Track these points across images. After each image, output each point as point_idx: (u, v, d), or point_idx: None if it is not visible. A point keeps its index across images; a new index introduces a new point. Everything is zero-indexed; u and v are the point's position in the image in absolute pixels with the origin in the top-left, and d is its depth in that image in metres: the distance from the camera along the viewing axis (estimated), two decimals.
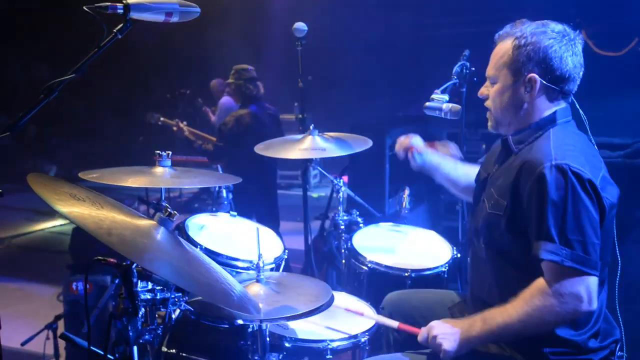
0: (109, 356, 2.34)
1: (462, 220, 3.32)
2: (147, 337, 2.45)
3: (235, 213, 3.18)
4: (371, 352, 2.59)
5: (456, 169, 2.75)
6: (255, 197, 4.24)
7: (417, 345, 2.41)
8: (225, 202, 3.25)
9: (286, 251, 3.02)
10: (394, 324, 2.44)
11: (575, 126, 2.19)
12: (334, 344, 2.49)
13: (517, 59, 2.09)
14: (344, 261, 3.39)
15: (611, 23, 6.76)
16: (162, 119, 5.76)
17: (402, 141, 2.83)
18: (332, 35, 6.02)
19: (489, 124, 2.29)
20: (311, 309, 2.15)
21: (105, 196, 2.00)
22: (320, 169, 3.53)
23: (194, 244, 2.80)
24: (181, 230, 2.90)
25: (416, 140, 2.81)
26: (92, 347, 2.28)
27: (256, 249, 2.83)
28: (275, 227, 3.88)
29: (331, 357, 2.47)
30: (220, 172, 3.89)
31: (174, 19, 2.12)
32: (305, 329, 2.57)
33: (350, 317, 2.72)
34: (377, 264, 3.02)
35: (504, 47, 2.15)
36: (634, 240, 3.20)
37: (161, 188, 2.67)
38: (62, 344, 3.83)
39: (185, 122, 5.54)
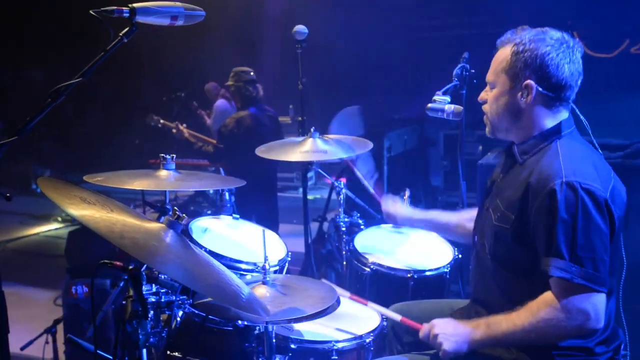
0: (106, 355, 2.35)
1: None
2: (152, 340, 2.47)
3: (237, 215, 3.19)
4: (375, 352, 2.60)
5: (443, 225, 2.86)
6: (255, 199, 4.25)
7: (421, 346, 2.44)
8: (228, 205, 3.26)
9: (289, 253, 3.04)
10: (397, 317, 2.46)
11: (579, 134, 2.20)
12: (339, 345, 2.50)
13: (515, 65, 2.11)
14: (345, 263, 3.40)
15: (603, 25, 6.82)
16: (162, 121, 5.76)
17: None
18: (328, 38, 6.03)
19: (487, 129, 2.31)
20: (321, 310, 2.16)
21: (112, 199, 2.01)
22: (321, 171, 3.54)
23: (198, 246, 2.80)
24: (184, 233, 2.91)
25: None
26: (98, 351, 2.29)
27: (261, 251, 2.84)
28: (275, 230, 3.89)
29: (336, 357, 2.48)
30: (223, 174, 3.89)
31: (179, 22, 2.13)
32: (310, 330, 2.58)
33: (354, 317, 2.73)
34: (379, 265, 3.03)
35: (503, 53, 2.17)
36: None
37: (165, 191, 2.67)
38: (61, 348, 3.81)
39: (185, 125, 5.54)
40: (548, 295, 1.96)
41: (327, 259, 4.55)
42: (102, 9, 1.96)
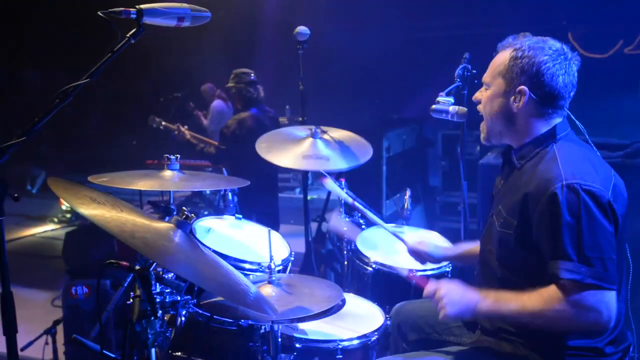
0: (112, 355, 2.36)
1: (464, 221, 3.36)
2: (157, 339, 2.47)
3: (240, 216, 3.20)
4: (380, 351, 2.62)
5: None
6: (256, 200, 4.26)
7: (427, 345, 2.45)
8: (231, 205, 3.26)
9: (292, 253, 3.05)
10: (404, 271, 2.53)
11: (575, 135, 2.23)
12: (344, 344, 2.52)
13: (512, 70, 2.14)
14: (346, 262, 3.41)
15: (597, 25, 6.86)
16: (163, 123, 5.76)
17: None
18: (326, 39, 6.04)
19: (482, 135, 2.33)
20: (328, 308, 2.17)
21: (120, 199, 2.01)
22: (323, 171, 3.54)
23: (203, 246, 2.81)
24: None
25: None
26: (104, 351, 2.29)
27: (265, 251, 2.85)
28: (276, 230, 3.90)
29: (341, 356, 2.50)
30: (226, 175, 3.90)
31: (186, 23, 2.14)
32: (315, 329, 2.60)
33: (358, 316, 2.75)
34: (381, 264, 3.04)
35: (502, 57, 2.20)
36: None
37: (170, 191, 2.67)
38: (61, 348, 3.80)
39: (186, 126, 5.55)
40: (560, 291, 1.96)
41: (327, 259, 4.56)
42: (110, 10, 1.96)
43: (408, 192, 3.53)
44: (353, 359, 2.54)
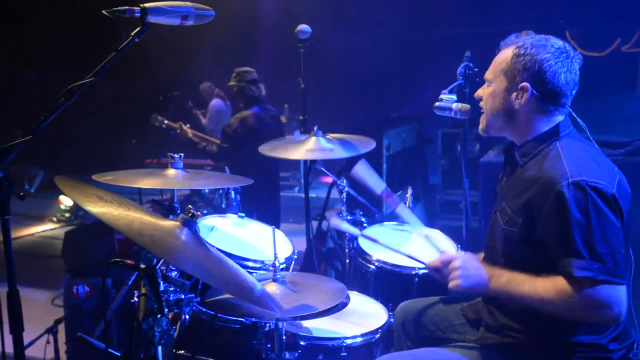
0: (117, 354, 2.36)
1: (465, 219, 3.36)
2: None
3: (243, 214, 3.21)
4: (384, 348, 2.63)
5: None
6: (258, 198, 4.27)
7: (431, 342, 2.46)
8: (234, 204, 3.27)
9: (296, 251, 3.05)
10: (357, 232, 2.62)
11: (577, 133, 2.24)
12: (349, 341, 2.53)
13: (514, 67, 2.16)
14: (348, 260, 3.42)
15: (594, 24, 6.90)
16: (166, 121, 5.76)
17: None
18: (325, 37, 6.06)
19: (480, 127, 2.35)
20: (334, 306, 2.18)
21: (126, 198, 2.02)
22: (324, 169, 3.56)
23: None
24: None
25: None
26: (109, 350, 2.30)
27: (268, 249, 2.86)
28: (277, 228, 3.90)
29: (346, 354, 2.51)
30: (228, 173, 3.91)
31: (190, 22, 2.15)
32: (319, 327, 2.61)
33: (362, 314, 2.75)
34: (384, 262, 3.05)
35: (504, 54, 2.22)
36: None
37: (174, 190, 2.68)
38: (62, 348, 3.80)
39: (188, 125, 5.55)
40: (572, 285, 1.96)
41: (327, 257, 4.57)
42: (114, 9, 1.97)
43: (410, 190, 3.54)
44: (357, 356, 2.55)
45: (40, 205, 8.13)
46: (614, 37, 7.12)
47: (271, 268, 2.50)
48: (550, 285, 1.99)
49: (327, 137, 3.37)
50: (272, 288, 2.34)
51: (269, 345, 2.50)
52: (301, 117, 3.98)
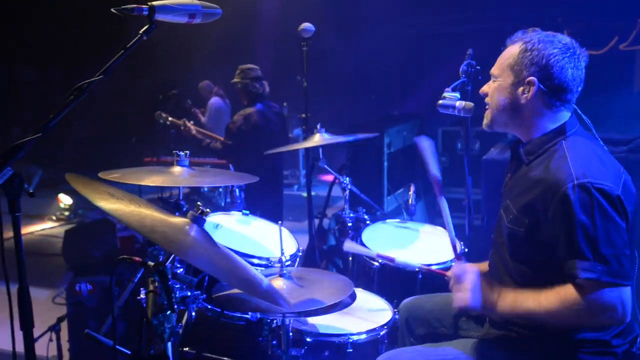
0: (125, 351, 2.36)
1: (468, 217, 3.38)
2: None
3: (247, 212, 3.22)
4: (389, 345, 2.64)
5: None
6: (262, 195, 4.29)
7: (434, 338, 2.48)
8: (239, 201, 3.28)
9: (300, 248, 3.07)
10: (372, 253, 2.57)
11: (584, 131, 2.24)
12: (355, 338, 2.54)
13: (521, 62, 2.16)
14: (351, 258, 3.44)
15: (592, 22, 6.91)
16: (170, 119, 5.76)
17: None
18: (326, 35, 6.08)
19: (484, 122, 2.34)
20: (341, 300, 2.19)
21: (136, 195, 2.03)
22: (327, 167, 3.57)
23: None
24: None
25: None
26: (117, 347, 2.30)
27: (273, 246, 2.88)
28: None
29: (352, 350, 2.53)
30: (232, 170, 3.91)
31: (197, 20, 2.15)
32: (325, 324, 2.62)
33: (367, 311, 2.77)
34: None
35: (511, 50, 2.22)
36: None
37: (179, 187, 2.69)
38: (65, 345, 3.81)
39: (192, 122, 5.56)
40: (576, 289, 1.97)
41: (328, 255, 4.59)
42: (123, 7, 1.98)
43: (412, 188, 3.56)
44: (363, 353, 2.56)
45: (39, 204, 8.10)
46: (612, 35, 7.13)
47: (277, 265, 2.52)
48: (554, 296, 2.00)
49: (330, 134, 3.39)
50: (278, 283, 2.36)
51: (274, 342, 2.52)
52: (303, 115, 3.99)
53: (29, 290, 1.96)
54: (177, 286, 2.55)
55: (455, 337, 2.48)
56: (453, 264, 2.37)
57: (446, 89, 2.80)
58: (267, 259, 2.83)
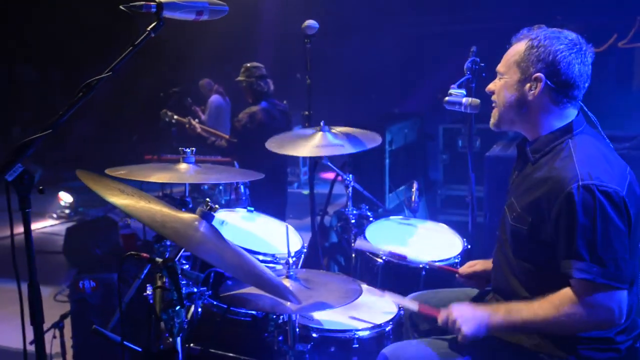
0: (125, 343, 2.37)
1: (471, 214, 3.40)
2: None
3: (252, 208, 3.23)
4: (394, 341, 2.65)
5: None
6: (266, 192, 4.30)
7: (441, 331, 2.49)
8: (243, 198, 3.30)
9: (305, 245, 3.08)
10: (415, 306, 2.48)
11: (591, 130, 2.24)
12: (360, 334, 2.56)
13: (528, 59, 2.15)
14: (354, 255, 3.45)
15: (591, 20, 6.92)
16: (175, 117, 5.77)
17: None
18: (327, 34, 6.08)
19: (491, 121, 2.33)
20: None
21: (144, 192, 2.04)
22: (330, 164, 3.59)
23: None
24: None
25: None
26: (125, 342, 2.31)
27: (278, 242, 2.89)
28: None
29: (357, 346, 2.54)
30: (237, 167, 3.94)
31: (204, 17, 2.17)
32: (330, 320, 2.63)
33: (372, 307, 2.79)
34: (391, 256, 3.08)
35: (517, 47, 2.22)
36: None
37: (185, 184, 2.70)
38: (68, 342, 3.82)
39: (197, 120, 5.56)
40: (571, 292, 1.99)
41: (330, 252, 4.61)
42: (131, 4, 1.98)
43: (415, 185, 3.58)
44: (368, 348, 2.57)
45: (39, 201, 8.10)
46: (611, 33, 7.14)
47: (282, 261, 2.52)
48: (548, 305, 2.02)
49: (334, 131, 3.38)
50: (286, 284, 2.36)
51: (280, 338, 2.53)
52: (306, 113, 4.00)
53: (39, 285, 1.97)
54: (183, 282, 2.57)
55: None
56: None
57: (452, 86, 2.81)
58: (273, 255, 2.84)
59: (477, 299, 2.53)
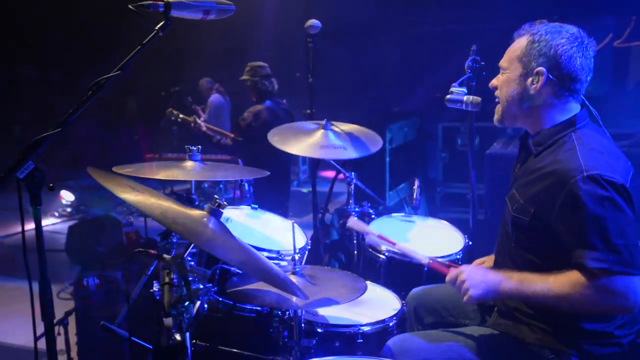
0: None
1: (472, 211, 3.43)
2: None
3: (256, 206, 3.26)
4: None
5: None
6: (270, 191, 4.33)
7: (445, 325, 2.52)
8: (248, 195, 3.33)
9: (309, 242, 3.11)
10: (425, 259, 2.51)
11: (594, 124, 2.26)
12: (364, 329, 2.59)
13: (529, 53, 2.18)
14: (355, 252, 3.48)
15: (586, 19, 6.95)
16: (181, 116, 5.81)
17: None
18: (327, 33, 6.10)
19: (495, 117, 2.36)
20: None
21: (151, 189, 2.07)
22: (333, 162, 3.62)
23: None
24: None
25: None
26: (132, 338, 2.34)
27: (283, 239, 2.92)
28: None
29: (362, 341, 2.57)
30: (241, 165, 3.96)
31: (211, 16, 2.19)
32: (335, 315, 2.66)
33: (376, 302, 2.82)
34: (393, 252, 3.10)
35: (519, 43, 2.24)
36: None
37: (192, 181, 2.74)
38: (73, 339, 3.84)
39: (202, 118, 5.59)
40: (587, 276, 1.99)
41: (331, 249, 4.64)
42: (139, 3, 2.01)
43: (416, 183, 3.61)
44: (373, 343, 2.60)
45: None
46: (606, 33, 7.17)
47: (287, 258, 2.54)
48: (565, 280, 2.02)
49: (336, 130, 3.41)
50: (292, 280, 2.39)
51: (285, 333, 2.56)
52: (308, 111, 4.04)
53: (49, 282, 2.00)
54: (189, 279, 2.60)
55: (464, 325, 2.51)
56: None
57: (453, 84, 2.84)
58: (278, 251, 2.87)
59: None
